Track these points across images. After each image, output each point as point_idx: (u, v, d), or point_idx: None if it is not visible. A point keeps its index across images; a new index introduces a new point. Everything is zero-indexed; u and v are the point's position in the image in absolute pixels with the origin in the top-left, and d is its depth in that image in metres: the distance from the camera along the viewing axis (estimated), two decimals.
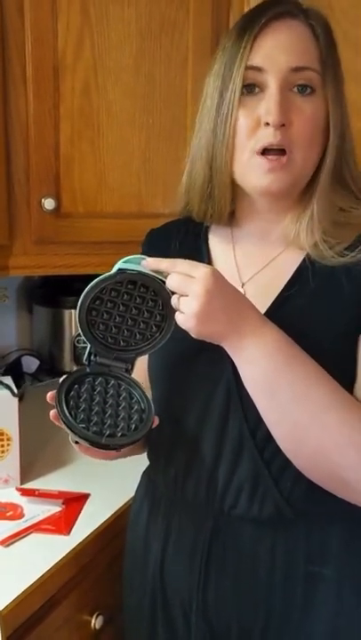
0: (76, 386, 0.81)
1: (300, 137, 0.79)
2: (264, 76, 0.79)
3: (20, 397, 1.62)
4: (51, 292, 1.75)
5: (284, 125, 0.78)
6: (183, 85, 1.28)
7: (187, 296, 0.73)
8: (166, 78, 1.27)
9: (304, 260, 0.84)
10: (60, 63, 1.20)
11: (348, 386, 0.77)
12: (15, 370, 1.72)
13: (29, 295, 1.82)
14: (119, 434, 0.77)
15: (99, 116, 1.25)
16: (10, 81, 1.17)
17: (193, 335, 0.75)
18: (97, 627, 1.05)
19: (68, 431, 0.77)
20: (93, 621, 1.05)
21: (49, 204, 1.24)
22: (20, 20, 1.15)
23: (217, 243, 0.93)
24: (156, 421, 0.81)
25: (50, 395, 0.79)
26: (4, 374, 1.63)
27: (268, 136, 0.78)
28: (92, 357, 0.83)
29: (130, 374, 0.85)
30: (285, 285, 0.84)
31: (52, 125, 1.22)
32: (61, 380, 0.81)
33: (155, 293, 0.79)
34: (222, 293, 0.73)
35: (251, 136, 0.80)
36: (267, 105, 0.78)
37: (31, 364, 1.77)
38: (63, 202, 1.27)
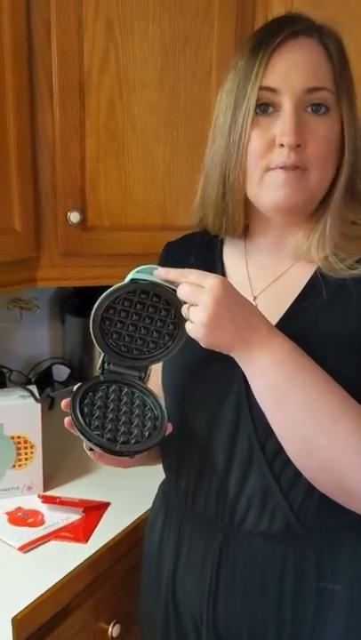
0: (90, 393, 0.82)
1: (315, 157, 0.79)
2: (278, 97, 0.79)
3: (50, 405, 1.66)
4: (82, 303, 1.77)
5: (299, 146, 0.78)
6: (207, 99, 1.29)
7: (196, 306, 0.74)
8: (190, 93, 1.29)
9: (315, 272, 0.83)
10: (86, 80, 1.22)
11: (359, 398, 0.76)
12: (46, 378, 1.76)
13: (61, 305, 1.86)
14: (133, 441, 0.78)
15: (124, 131, 1.27)
16: (37, 98, 1.20)
17: (202, 345, 0.75)
18: (114, 635, 1.06)
19: (83, 438, 0.78)
20: (110, 629, 1.06)
21: (74, 217, 1.26)
22: (46, 38, 1.18)
23: (231, 256, 0.93)
24: (170, 429, 0.81)
25: (64, 402, 0.80)
26: (36, 382, 1.68)
27: (282, 156, 0.78)
28: (105, 365, 0.84)
29: (144, 382, 0.85)
30: (297, 298, 0.83)
31: (78, 141, 1.24)
32: (75, 387, 0.82)
33: (167, 302, 0.80)
34: (232, 303, 0.74)
35: (263, 156, 0.80)
36: (282, 126, 0.78)
37: (62, 372, 1.80)
38: (88, 215, 1.29)
